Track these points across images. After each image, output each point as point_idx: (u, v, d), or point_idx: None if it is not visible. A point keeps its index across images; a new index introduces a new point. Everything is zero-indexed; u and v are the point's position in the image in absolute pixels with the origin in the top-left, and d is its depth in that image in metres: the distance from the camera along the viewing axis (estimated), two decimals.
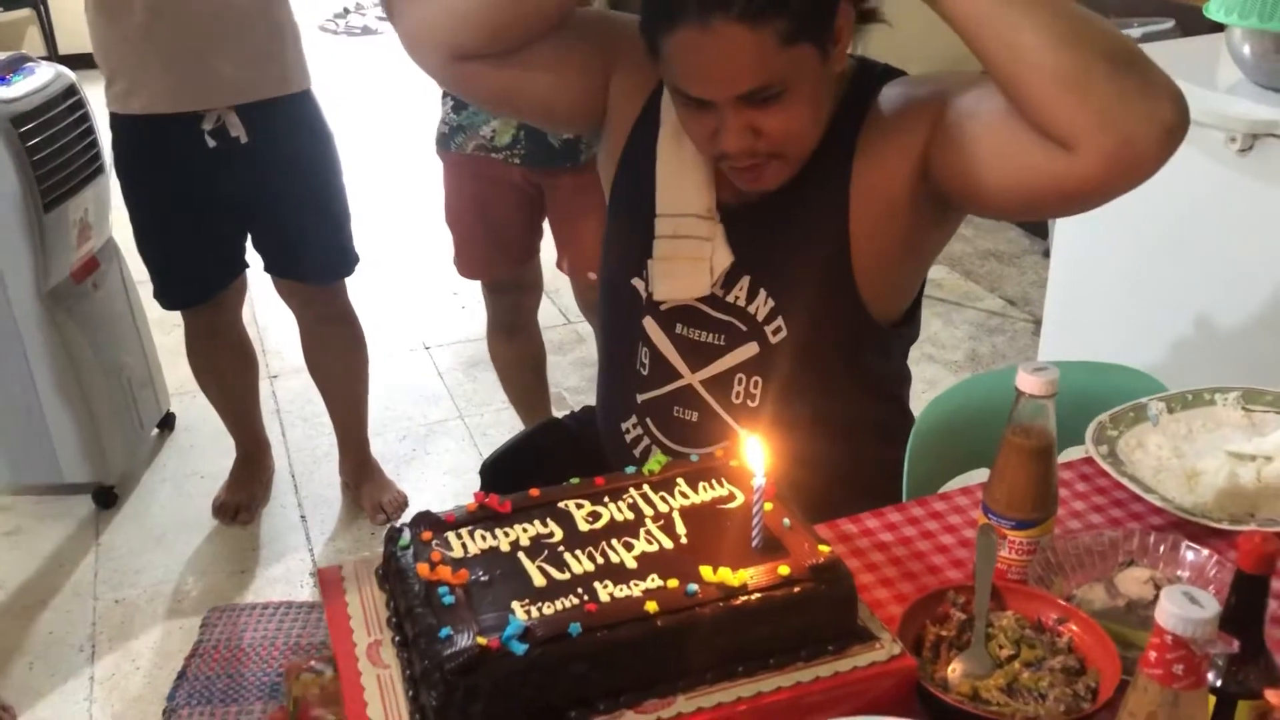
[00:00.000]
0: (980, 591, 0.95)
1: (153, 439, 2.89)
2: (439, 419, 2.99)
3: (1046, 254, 3.38)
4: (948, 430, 1.42)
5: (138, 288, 2.80)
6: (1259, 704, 0.83)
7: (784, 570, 0.86)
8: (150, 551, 2.50)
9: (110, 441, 2.61)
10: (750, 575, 0.86)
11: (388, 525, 2.53)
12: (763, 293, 1.26)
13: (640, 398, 1.35)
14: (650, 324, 1.32)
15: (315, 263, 2.41)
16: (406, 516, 1.13)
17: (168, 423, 2.95)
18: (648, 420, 1.35)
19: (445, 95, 2.22)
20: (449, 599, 0.84)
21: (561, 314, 3.43)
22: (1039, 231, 3.87)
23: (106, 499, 2.63)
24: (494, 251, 2.35)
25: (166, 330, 3.01)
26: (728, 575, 0.85)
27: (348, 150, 2.40)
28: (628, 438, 1.38)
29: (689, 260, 1.26)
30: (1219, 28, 2.28)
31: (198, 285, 2.39)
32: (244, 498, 2.62)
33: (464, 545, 0.92)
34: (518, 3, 1.21)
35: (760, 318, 1.27)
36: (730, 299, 1.27)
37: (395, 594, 0.90)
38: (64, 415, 2.52)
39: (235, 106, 2.17)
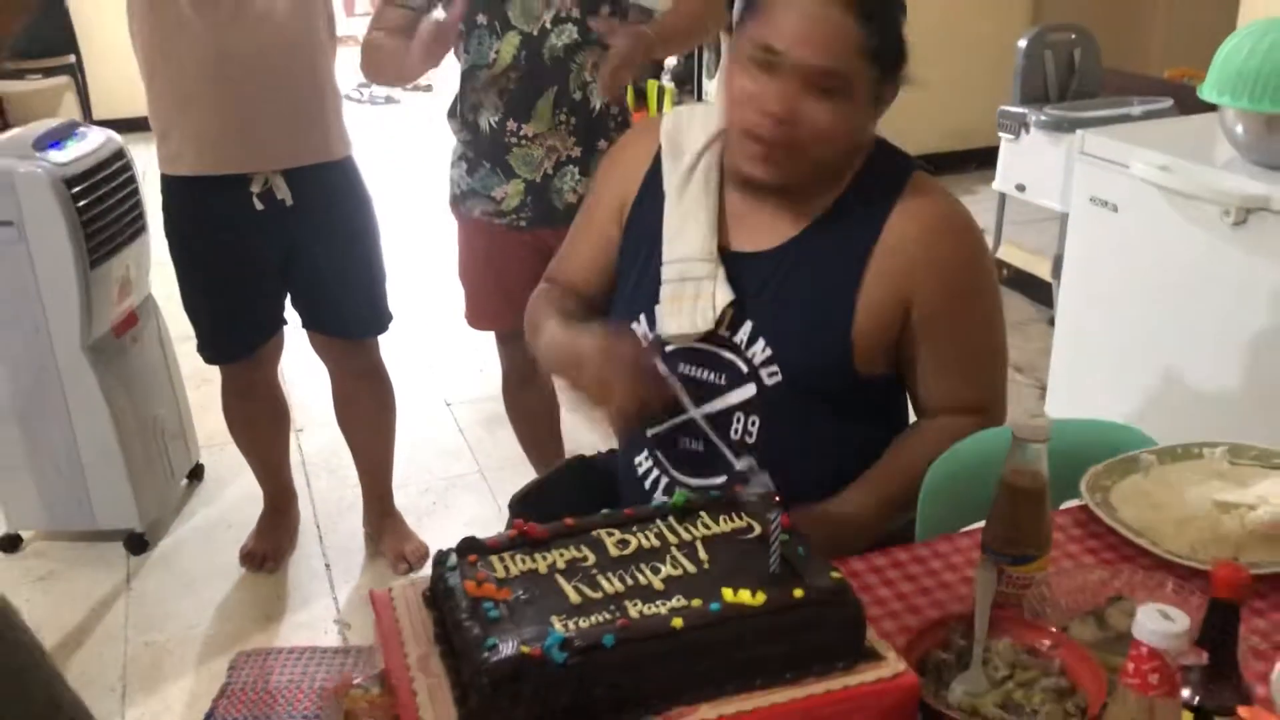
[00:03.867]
0: (979, 619, 1.03)
1: (182, 489, 2.98)
2: (460, 473, 3.08)
3: (1051, 322, 3.48)
4: (957, 482, 1.49)
5: (173, 343, 2.92)
6: None
7: (798, 593, 0.94)
8: (179, 597, 2.58)
9: (142, 490, 2.70)
10: (768, 596, 0.94)
11: (410, 573, 2.63)
12: (761, 341, 1.37)
13: (650, 432, 1.46)
14: (659, 365, 1.40)
15: (352, 320, 2.52)
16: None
17: (197, 473, 3.04)
18: (658, 453, 1.46)
19: (458, 158, 2.34)
20: (494, 613, 0.92)
21: None
22: (1044, 300, 3.96)
23: (138, 545, 2.71)
24: (502, 304, 2.43)
25: (196, 385, 3.11)
26: (747, 596, 0.94)
27: None
28: (639, 471, 1.48)
29: (692, 299, 1.39)
30: (1214, 107, 2.39)
31: (239, 340, 2.49)
32: (271, 547, 2.70)
33: (505, 567, 1.00)
34: None
35: (757, 362, 1.38)
36: (735, 339, 1.39)
37: (443, 610, 0.99)
38: (100, 463, 2.62)
39: (282, 170, 2.30)
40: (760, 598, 0.94)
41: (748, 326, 1.38)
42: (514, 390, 2.62)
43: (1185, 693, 0.90)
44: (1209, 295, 2.37)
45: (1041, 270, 3.95)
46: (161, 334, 2.87)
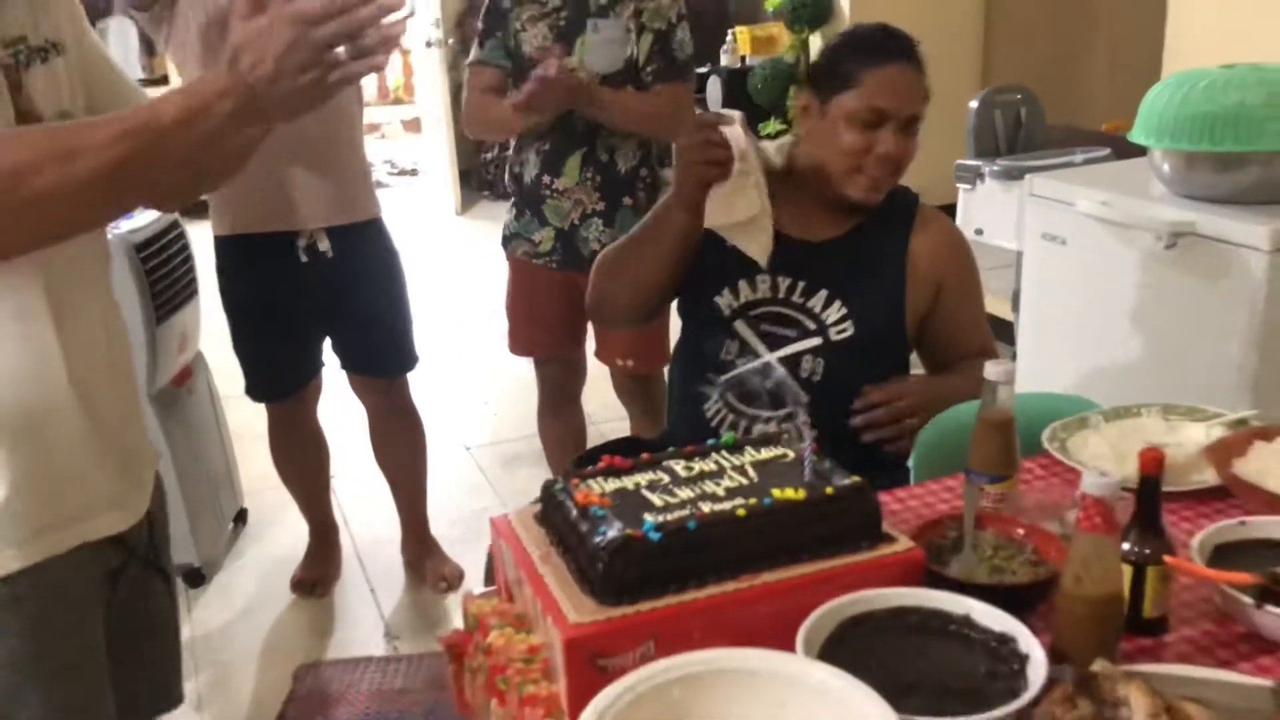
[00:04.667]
0: (967, 519, 1.33)
1: (229, 531, 3.23)
2: (484, 506, 3.36)
3: (1014, 357, 3.81)
4: (944, 440, 1.79)
5: (221, 399, 3.19)
6: (1162, 568, 1.21)
7: (829, 490, 1.24)
8: (239, 622, 2.83)
9: (198, 528, 2.95)
10: (808, 493, 1.23)
11: (449, 592, 2.89)
12: (837, 303, 1.83)
13: (721, 379, 1.82)
14: (740, 325, 1.84)
15: (386, 359, 2.83)
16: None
17: (241, 517, 3.29)
18: (727, 395, 1.82)
19: (510, 204, 2.69)
20: (601, 512, 1.21)
21: (586, 416, 3.81)
22: (1007, 339, 4.30)
23: (195, 579, 2.96)
24: (538, 333, 2.78)
25: (237, 438, 3.38)
26: (791, 493, 1.23)
27: None
28: (708, 414, 1.84)
29: (734, 189, 1.75)
30: (1144, 151, 2.74)
31: (286, 381, 2.79)
32: (319, 574, 2.96)
33: (601, 486, 1.29)
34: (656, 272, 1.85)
35: (830, 321, 1.81)
36: (809, 305, 1.84)
37: (555, 520, 1.27)
38: None
39: (325, 227, 2.61)
40: (801, 494, 1.23)
41: (822, 294, 1.84)
42: (548, 418, 2.92)
43: (1125, 546, 1.20)
44: (1148, 310, 2.71)
45: (1003, 310, 4.29)
46: (211, 388, 3.15)
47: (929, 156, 5.07)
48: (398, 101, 9.37)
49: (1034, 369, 3.11)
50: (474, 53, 2.69)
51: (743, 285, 1.86)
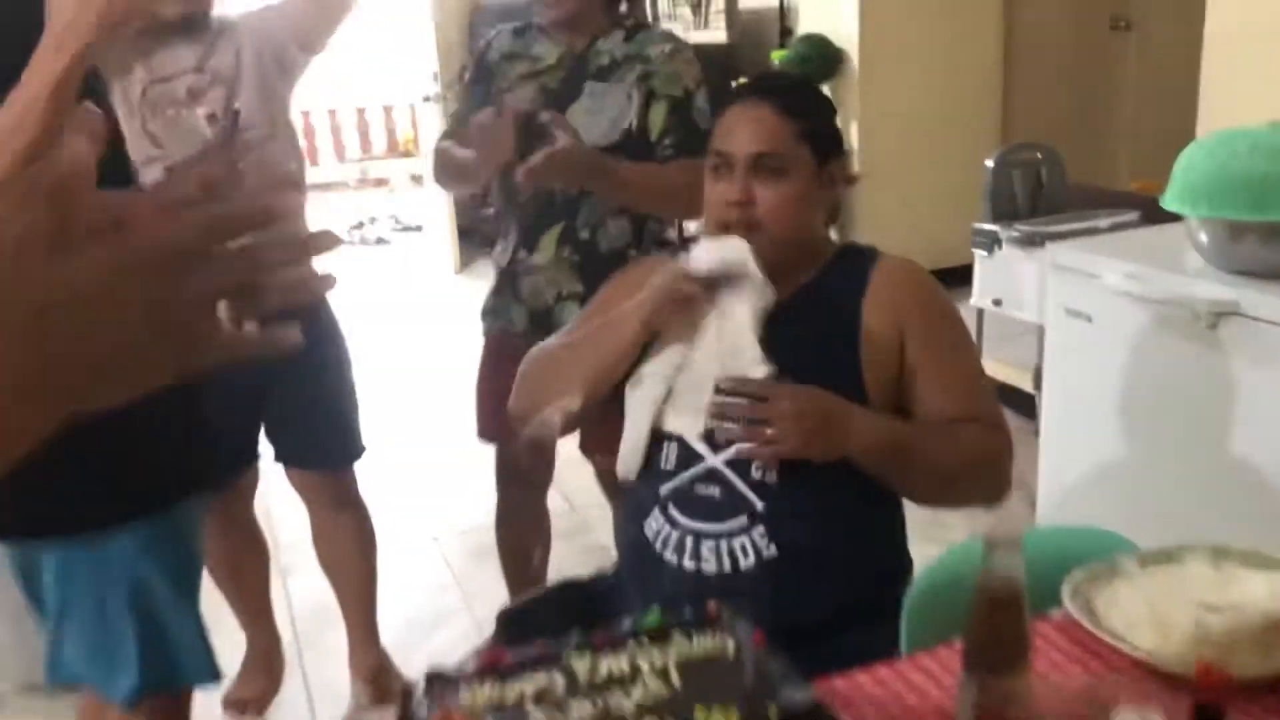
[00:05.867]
0: None
1: None
2: (447, 606, 3.06)
3: (1037, 434, 3.49)
4: (945, 593, 1.48)
5: None
6: None
7: (774, 712, 0.93)
8: None
9: None
10: (741, 716, 0.92)
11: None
12: (786, 381, 1.52)
13: (663, 490, 1.54)
14: None
15: (325, 450, 2.54)
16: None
17: None
18: (671, 509, 1.54)
19: (495, 276, 2.41)
20: None
21: (565, 500, 3.51)
22: (1029, 413, 3.98)
23: None
24: (505, 417, 2.45)
25: None
26: (721, 715, 0.92)
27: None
28: (649, 533, 1.55)
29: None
30: (1179, 216, 2.44)
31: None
32: (254, 692, 2.66)
33: (475, 696, 0.98)
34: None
35: None
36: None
37: None
38: None
39: None
40: (733, 717, 0.92)
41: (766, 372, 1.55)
42: (508, 515, 2.61)
43: None
44: (1187, 399, 2.40)
45: (1024, 383, 3.97)
46: None
47: (943, 220, 4.80)
48: (407, 154, 9.16)
49: (1059, 462, 2.80)
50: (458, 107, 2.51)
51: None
